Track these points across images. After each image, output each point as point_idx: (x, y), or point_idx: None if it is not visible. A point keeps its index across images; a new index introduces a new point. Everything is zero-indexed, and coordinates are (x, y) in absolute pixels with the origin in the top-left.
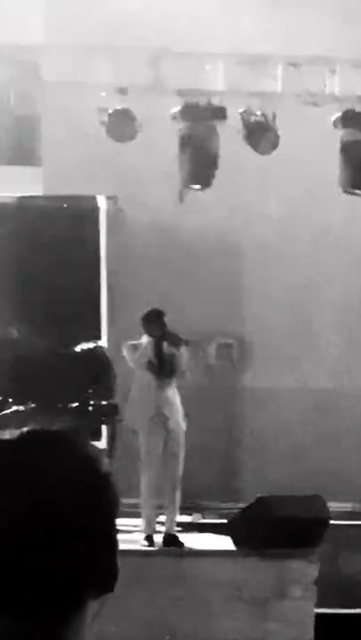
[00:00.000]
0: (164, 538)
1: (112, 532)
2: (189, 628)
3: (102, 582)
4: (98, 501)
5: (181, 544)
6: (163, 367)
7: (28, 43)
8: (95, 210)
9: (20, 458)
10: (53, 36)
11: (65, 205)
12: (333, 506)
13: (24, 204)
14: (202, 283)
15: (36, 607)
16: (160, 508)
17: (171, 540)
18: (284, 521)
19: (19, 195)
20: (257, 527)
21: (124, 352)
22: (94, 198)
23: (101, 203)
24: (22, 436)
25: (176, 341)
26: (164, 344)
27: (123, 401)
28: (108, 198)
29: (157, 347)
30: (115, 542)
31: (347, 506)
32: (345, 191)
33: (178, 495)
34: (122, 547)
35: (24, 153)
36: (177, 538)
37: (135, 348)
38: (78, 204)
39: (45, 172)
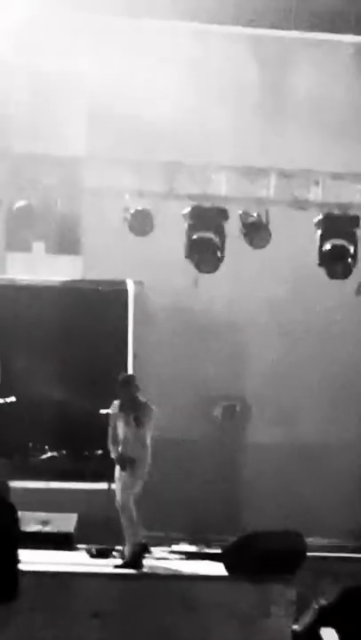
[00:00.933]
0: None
1: (12, 551)
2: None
3: (4, 592)
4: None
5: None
6: (128, 423)
7: (71, 154)
8: (124, 292)
9: None
10: (90, 150)
11: (100, 288)
12: (312, 540)
13: (67, 287)
14: (211, 353)
15: None
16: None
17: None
18: (268, 552)
19: (63, 279)
20: (246, 557)
21: (110, 410)
22: (124, 282)
23: (130, 286)
24: None
25: (139, 405)
26: (131, 408)
27: None
28: (136, 282)
29: (123, 407)
30: (15, 560)
31: (323, 541)
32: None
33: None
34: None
35: (67, 244)
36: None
37: (114, 411)
38: (111, 287)
39: (84, 260)
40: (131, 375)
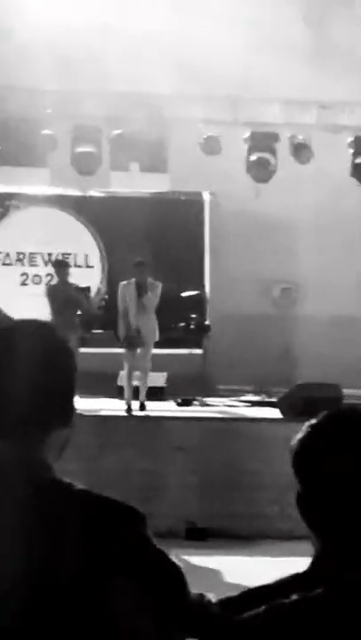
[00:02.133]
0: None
1: (70, 383)
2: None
3: (63, 417)
4: (61, 363)
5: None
6: (140, 301)
7: (157, 92)
8: (201, 200)
9: (13, 335)
10: (172, 87)
11: (182, 198)
12: (349, 391)
13: (157, 197)
14: (270, 247)
15: (11, 428)
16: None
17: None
18: (311, 399)
19: (153, 191)
20: (295, 403)
21: (120, 288)
22: (200, 193)
23: (205, 196)
24: (17, 322)
25: (149, 284)
26: (143, 284)
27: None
28: (210, 193)
29: (138, 286)
30: (72, 390)
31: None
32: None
33: (146, 381)
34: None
35: (157, 164)
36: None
37: (126, 285)
38: (191, 197)
39: (170, 176)
40: (142, 259)
